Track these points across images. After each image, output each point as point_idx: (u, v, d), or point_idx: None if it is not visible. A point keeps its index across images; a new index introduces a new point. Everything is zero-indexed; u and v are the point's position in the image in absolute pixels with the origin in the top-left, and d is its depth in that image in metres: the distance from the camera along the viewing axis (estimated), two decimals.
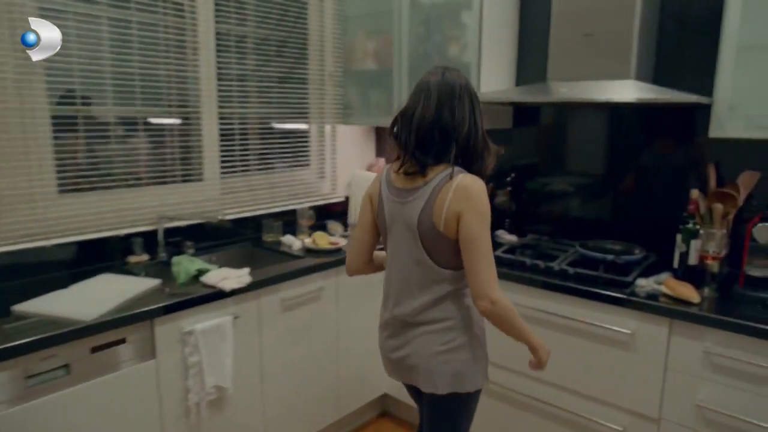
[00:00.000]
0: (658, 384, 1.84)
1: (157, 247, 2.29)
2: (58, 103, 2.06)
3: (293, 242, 2.48)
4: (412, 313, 1.50)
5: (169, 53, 2.34)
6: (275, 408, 2.20)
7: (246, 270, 2.05)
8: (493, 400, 2.25)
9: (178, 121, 2.42)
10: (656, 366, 1.84)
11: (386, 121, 2.81)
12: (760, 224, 1.86)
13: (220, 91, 2.51)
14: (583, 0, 2.12)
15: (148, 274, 2.08)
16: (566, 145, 2.58)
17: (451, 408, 1.54)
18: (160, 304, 1.77)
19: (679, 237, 2.03)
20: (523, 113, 2.68)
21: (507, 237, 2.52)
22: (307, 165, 3.01)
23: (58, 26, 2.00)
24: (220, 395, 1.95)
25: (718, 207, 2.01)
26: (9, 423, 1.49)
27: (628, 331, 1.87)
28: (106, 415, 1.69)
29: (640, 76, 2.09)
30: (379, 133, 3.31)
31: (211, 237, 2.51)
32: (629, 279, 1.98)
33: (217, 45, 2.49)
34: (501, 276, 2.13)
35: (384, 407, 2.83)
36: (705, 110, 1.95)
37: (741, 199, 2.00)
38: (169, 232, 2.34)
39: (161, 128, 2.38)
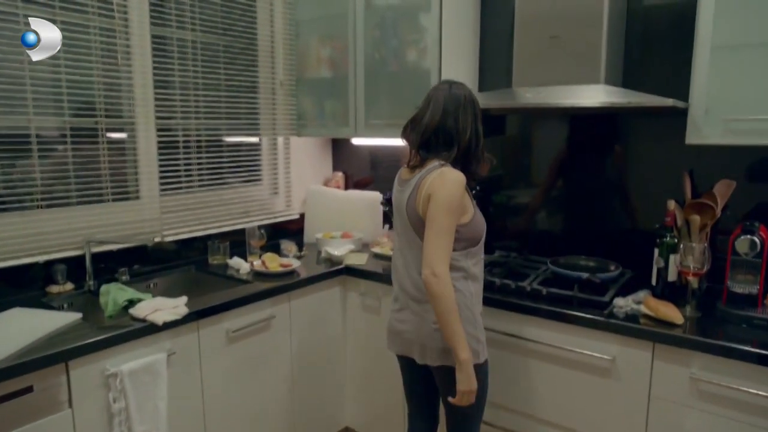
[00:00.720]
0: (642, 414, 1.68)
1: (85, 274, 2.03)
2: None
3: (241, 265, 2.25)
4: (411, 291, 1.66)
5: (98, 58, 2.10)
6: None
7: (183, 299, 1.81)
8: None
9: (111, 134, 2.18)
10: (640, 394, 1.68)
11: (343, 133, 2.67)
12: (742, 236, 1.74)
13: (158, 100, 2.29)
14: (548, 1, 1.99)
15: (71, 306, 1.84)
16: (532, 155, 2.44)
17: (447, 378, 1.62)
18: (78, 344, 1.52)
19: (656, 252, 1.90)
20: (488, 122, 2.49)
21: None
22: (259, 180, 2.79)
23: None
24: None
25: (696, 219, 1.89)
26: None
27: (609, 357, 1.71)
28: None
29: (610, 80, 1.96)
30: (336, 145, 3.12)
31: (150, 261, 2.27)
32: (606, 299, 1.83)
33: (155, 50, 2.26)
34: None
35: None
36: (680, 116, 1.83)
37: (719, 209, 1.88)
38: (100, 258, 2.09)
39: (92, 140, 2.12)
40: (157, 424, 1.69)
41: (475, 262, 1.65)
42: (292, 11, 2.73)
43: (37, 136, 1.97)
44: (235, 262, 2.29)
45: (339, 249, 2.43)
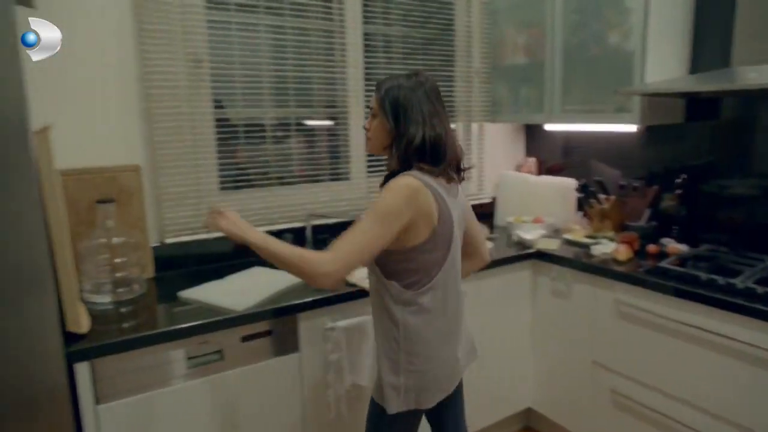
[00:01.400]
0: None
1: (305, 243, 2.38)
2: (220, 107, 2.23)
3: None
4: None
5: (319, 56, 2.42)
6: None
7: None
8: (622, 412, 2.00)
9: (327, 123, 2.50)
10: None
11: (537, 119, 2.69)
12: None
13: (366, 92, 2.55)
14: None
15: None
16: (753, 141, 2.21)
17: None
18: (305, 300, 1.82)
19: None
20: (698, 106, 2.34)
21: (675, 247, 2.22)
22: None
23: (225, 36, 2.18)
24: (357, 393, 1.95)
25: None
26: (173, 397, 1.63)
27: None
28: (253, 401, 1.77)
29: None
30: (529, 131, 3.14)
31: None
32: None
33: (365, 46, 2.52)
34: (667, 291, 1.89)
35: (528, 422, 2.66)
36: None
37: None
38: (317, 230, 2.42)
39: (312, 130, 2.47)
40: (363, 377, 1.94)
41: (434, 296, 1.45)
42: (489, 1, 2.81)
43: (272, 125, 2.36)
44: None
45: (530, 233, 2.48)
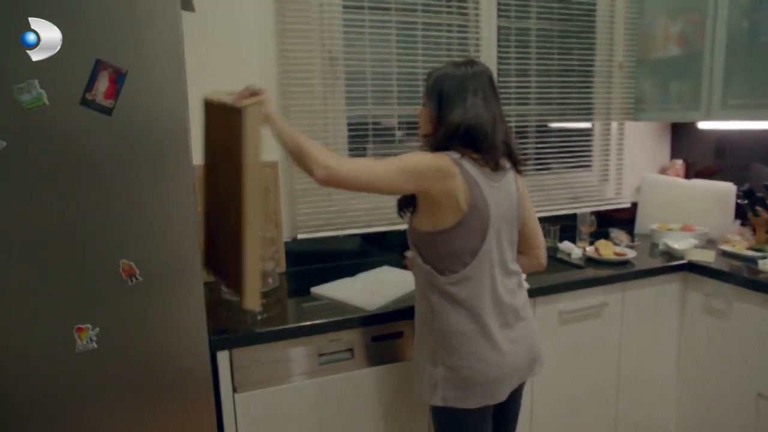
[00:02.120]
0: None
1: None
2: (351, 106, 2.23)
3: (572, 250, 2.26)
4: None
5: (451, 52, 2.35)
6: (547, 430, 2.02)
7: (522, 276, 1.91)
8: None
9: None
10: None
11: (691, 116, 2.42)
12: None
13: (499, 88, 2.43)
14: None
15: None
16: None
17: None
18: None
19: None
20: None
21: None
22: (589, 166, 2.74)
23: (358, 34, 2.17)
24: None
25: None
26: (304, 392, 1.64)
27: None
28: (380, 403, 1.74)
29: None
30: (675, 130, 2.85)
31: None
32: None
33: (498, 41, 2.41)
34: None
35: None
36: None
37: None
38: None
39: None
40: None
41: (468, 289, 1.37)
42: None
43: (399, 125, 2.33)
44: (566, 246, 2.30)
45: (680, 242, 2.23)
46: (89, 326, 1.30)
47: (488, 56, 2.39)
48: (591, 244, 2.30)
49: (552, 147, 2.61)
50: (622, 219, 2.72)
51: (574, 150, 2.67)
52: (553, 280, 1.97)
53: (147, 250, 1.34)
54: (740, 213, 2.40)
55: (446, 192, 1.31)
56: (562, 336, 1.99)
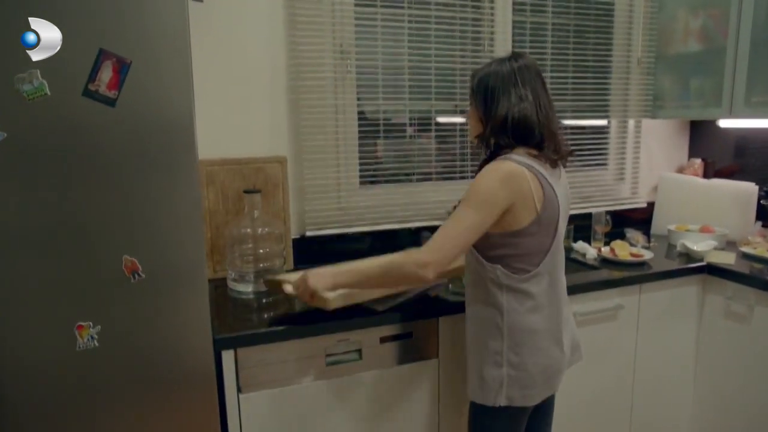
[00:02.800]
0: None
1: None
2: (362, 101, 2.18)
3: (587, 250, 2.20)
4: None
5: (465, 47, 2.29)
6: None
7: None
8: None
9: (464, 120, 2.37)
10: None
11: (711, 114, 2.35)
12: None
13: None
14: None
15: None
16: None
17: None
18: (448, 303, 1.71)
19: None
20: None
21: None
22: (604, 165, 2.67)
23: (370, 27, 2.13)
24: None
25: None
26: (310, 393, 1.60)
27: None
28: (388, 405, 1.69)
29: None
30: (694, 128, 2.78)
31: None
32: None
33: (513, 36, 2.35)
34: None
35: None
36: None
37: None
38: None
39: (451, 126, 2.36)
40: None
41: (540, 283, 1.39)
42: None
43: (411, 122, 2.28)
44: (580, 246, 2.25)
45: (699, 244, 2.16)
46: (90, 324, 1.27)
47: (503, 51, 2.33)
48: (606, 244, 2.24)
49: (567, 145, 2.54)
50: (638, 219, 2.66)
51: (590, 148, 2.61)
52: (567, 281, 1.90)
53: (150, 246, 1.30)
54: (762, 214, 2.33)
55: (521, 195, 1.30)
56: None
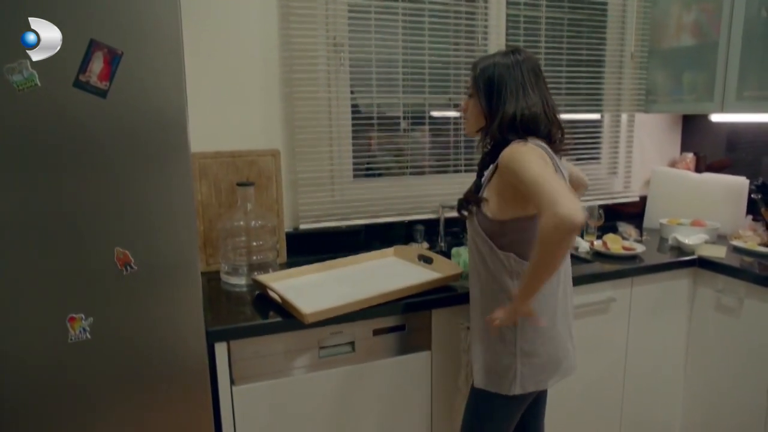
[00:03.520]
0: None
1: (438, 236, 2.27)
2: (356, 94, 2.18)
3: (580, 243, 2.21)
4: None
5: (458, 40, 2.29)
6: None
7: None
8: None
9: (458, 114, 2.37)
10: None
11: (704, 108, 2.36)
12: None
13: None
14: None
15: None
16: None
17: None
18: (440, 296, 1.71)
19: None
20: None
21: None
22: (597, 159, 2.68)
23: (363, 20, 2.12)
24: None
25: None
26: (304, 386, 1.60)
27: None
28: (381, 397, 1.70)
29: None
30: (686, 123, 2.79)
31: None
32: None
33: (507, 29, 2.35)
34: None
35: None
36: None
37: None
38: (449, 222, 2.30)
39: (445, 119, 2.36)
40: None
41: None
42: None
43: (405, 116, 2.28)
44: None
45: (690, 237, 2.18)
46: (82, 316, 1.26)
47: (496, 45, 2.33)
48: (599, 238, 2.25)
49: None
50: (630, 213, 2.67)
51: (583, 142, 2.62)
52: None
53: (143, 238, 1.30)
54: (752, 208, 2.34)
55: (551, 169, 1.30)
56: None
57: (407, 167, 2.31)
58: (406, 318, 1.69)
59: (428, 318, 1.72)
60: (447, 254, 2.09)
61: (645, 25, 2.54)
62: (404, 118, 2.29)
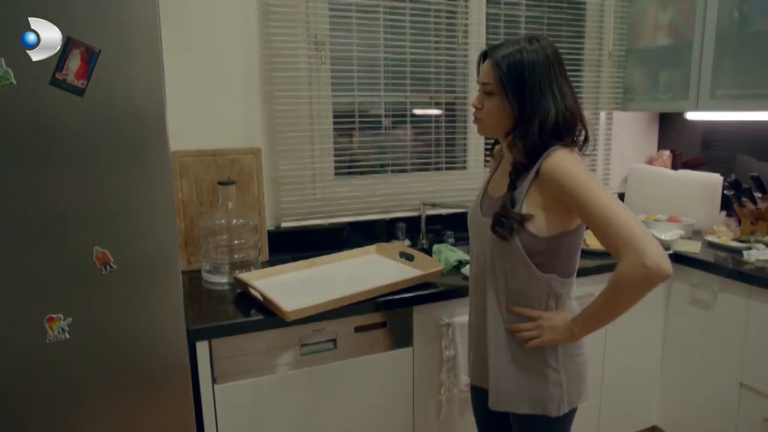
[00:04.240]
0: None
1: (419, 233, 2.29)
2: (337, 92, 2.18)
3: None
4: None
5: (439, 38, 2.31)
6: None
7: None
8: None
9: (440, 112, 2.39)
10: None
11: (679, 106, 2.40)
12: None
13: None
14: None
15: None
16: None
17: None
18: (420, 293, 1.73)
19: None
20: None
21: None
22: None
23: (344, 18, 2.13)
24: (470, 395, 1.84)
25: None
26: (286, 383, 1.61)
27: None
28: (363, 394, 1.71)
29: None
30: (663, 121, 2.84)
31: None
32: None
33: (487, 28, 2.37)
34: None
35: None
36: None
37: None
38: (431, 220, 2.32)
39: (427, 117, 2.37)
40: None
41: (573, 282, 1.35)
42: None
43: (386, 114, 2.29)
44: None
45: (666, 233, 2.22)
46: (61, 316, 1.26)
47: (477, 43, 2.35)
48: None
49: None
50: None
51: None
52: None
53: (122, 237, 1.29)
54: (726, 204, 2.40)
55: None
56: None
57: (389, 165, 2.33)
58: (387, 315, 1.71)
59: (410, 315, 1.73)
60: (428, 251, 2.10)
61: (622, 25, 2.59)
62: (386, 116, 2.30)
